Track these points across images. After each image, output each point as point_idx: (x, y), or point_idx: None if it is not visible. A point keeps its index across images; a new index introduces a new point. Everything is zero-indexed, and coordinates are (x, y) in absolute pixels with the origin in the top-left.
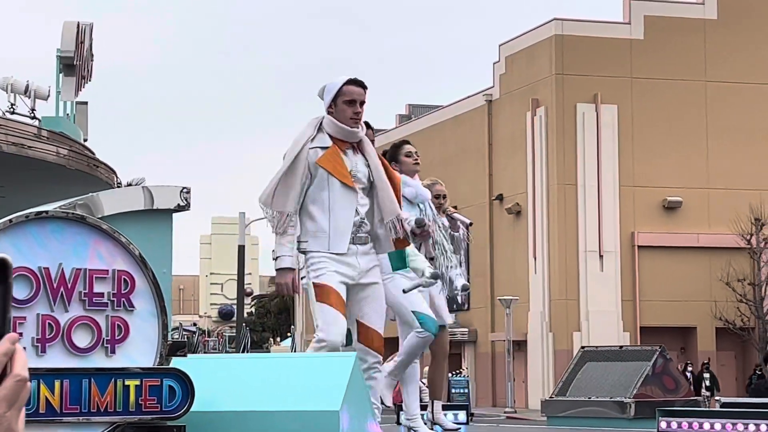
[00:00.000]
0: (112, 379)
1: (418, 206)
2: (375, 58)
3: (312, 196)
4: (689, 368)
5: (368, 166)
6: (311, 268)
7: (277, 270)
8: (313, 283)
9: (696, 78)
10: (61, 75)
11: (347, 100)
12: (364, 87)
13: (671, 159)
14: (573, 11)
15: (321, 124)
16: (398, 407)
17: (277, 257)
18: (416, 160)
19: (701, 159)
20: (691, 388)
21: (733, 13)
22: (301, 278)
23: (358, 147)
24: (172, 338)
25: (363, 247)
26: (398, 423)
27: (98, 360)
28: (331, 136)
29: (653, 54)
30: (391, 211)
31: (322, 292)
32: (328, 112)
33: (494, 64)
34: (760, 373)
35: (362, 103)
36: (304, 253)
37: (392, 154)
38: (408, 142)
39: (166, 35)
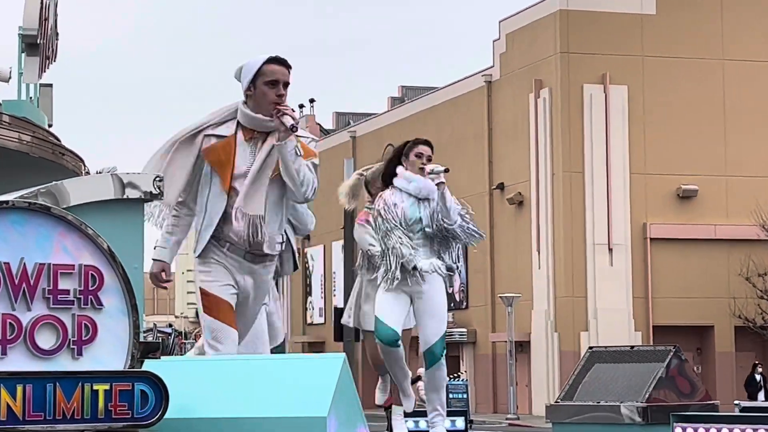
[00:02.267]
0: (79, 384)
1: (428, 201)
2: (365, 36)
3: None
4: (759, 369)
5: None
6: (200, 270)
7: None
8: (201, 289)
9: (712, 56)
10: (23, 55)
11: (268, 81)
12: (288, 66)
13: (686, 144)
14: None
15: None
16: (388, 410)
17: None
18: (424, 164)
19: (718, 144)
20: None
21: None
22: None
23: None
24: (145, 339)
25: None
26: (389, 429)
27: (64, 363)
28: (239, 124)
29: (666, 30)
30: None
31: (208, 303)
32: (246, 96)
33: (494, 41)
34: None
35: (286, 84)
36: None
37: (404, 149)
38: (426, 143)
39: (137, 13)
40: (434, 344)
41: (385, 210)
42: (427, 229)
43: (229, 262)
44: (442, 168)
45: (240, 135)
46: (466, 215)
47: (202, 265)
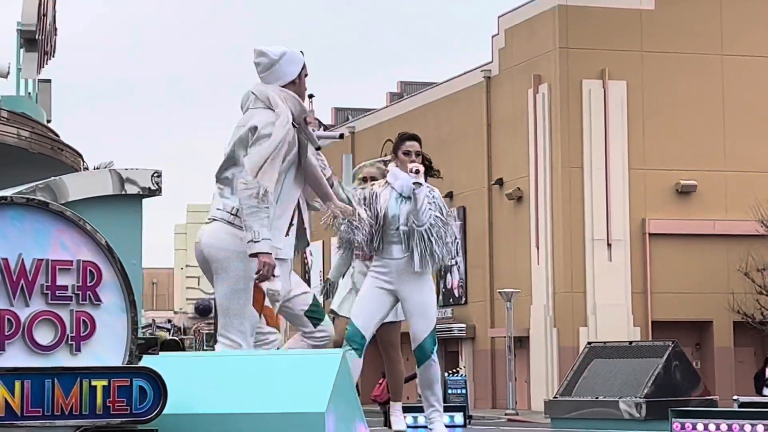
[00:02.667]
0: (78, 380)
1: (413, 196)
2: (363, 31)
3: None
4: None
5: None
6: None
7: (260, 254)
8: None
9: (712, 51)
10: (21, 50)
11: (306, 75)
12: None
13: (685, 139)
14: None
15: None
16: (385, 405)
17: (260, 239)
18: (413, 160)
19: (717, 139)
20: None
21: None
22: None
23: None
24: (144, 335)
25: None
26: (386, 424)
27: (62, 358)
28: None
29: (665, 26)
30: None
31: (259, 299)
32: (293, 82)
33: (493, 37)
34: None
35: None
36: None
37: (394, 146)
38: (412, 137)
39: (136, 8)
40: (423, 341)
41: (368, 198)
42: (401, 227)
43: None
44: (417, 167)
45: None
46: (447, 228)
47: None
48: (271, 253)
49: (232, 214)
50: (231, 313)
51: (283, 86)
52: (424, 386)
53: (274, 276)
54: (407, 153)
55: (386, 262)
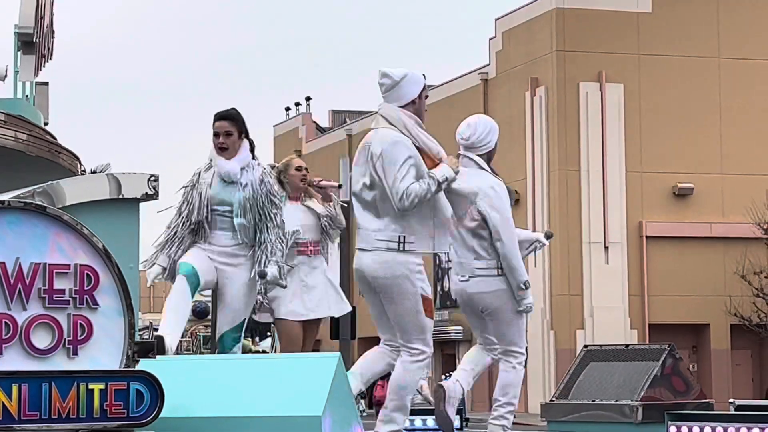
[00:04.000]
0: (75, 383)
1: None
2: (356, 32)
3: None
4: None
5: None
6: (419, 278)
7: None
8: (422, 295)
9: (708, 55)
10: (19, 53)
11: (426, 96)
12: None
13: (682, 142)
14: None
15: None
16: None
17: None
18: (221, 143)
19: (714, 142)
20: None
21: None
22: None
23: None
24: (141, 338)
25: None
26: None
27: (59, 362)
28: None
29: (662, 29)
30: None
31: (429, 307)
32: (412, 102)
33: (490, 39)
34: None
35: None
36: (404, 252)
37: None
38: (225, 117)
39: (134, 11)
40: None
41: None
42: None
43: None
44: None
45: None
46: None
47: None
48: None
49: (398, 242)
50: (413, 328)
51: (402, 106)
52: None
53: None
54: (216, 134)
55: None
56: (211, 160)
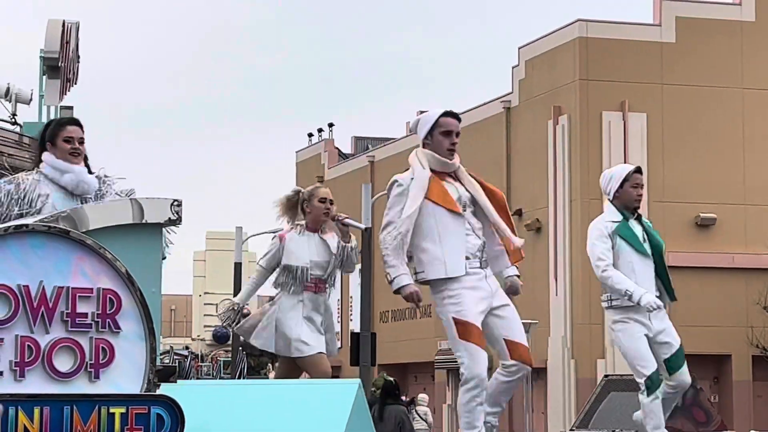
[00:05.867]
0: (96, 407)
1: (83, 200)
2: (382, 61)
3: (419, 228)
4: None
5: (468, 191)
6: (450, 302)
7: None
8: (454, 318)
9: (732, 85)
10: (44, 77)
11: (444, 131)
12: (459, 118)
13: (705, 172)
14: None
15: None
16: None
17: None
18: (75, 148)
19: (737, 173)
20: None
21: None
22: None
23: (455, 174)
24: (162, 363)
25: (488, 270)
26: None
27: (81, 385)
28: (431, 169)
29: (686, 58)
30: (505, 229)
31: (465, 330)
32: (424, 144)
33: (513, 68)
34: None
35: (458, 134)
36: (427, 283)
37: (50, 133)
38: (74, 122)
39: (158, 37)
40: None
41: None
42: None
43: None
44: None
45: (436, 176)
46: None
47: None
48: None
49: (414, 277)
50: (455, 353)
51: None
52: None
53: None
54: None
55: None
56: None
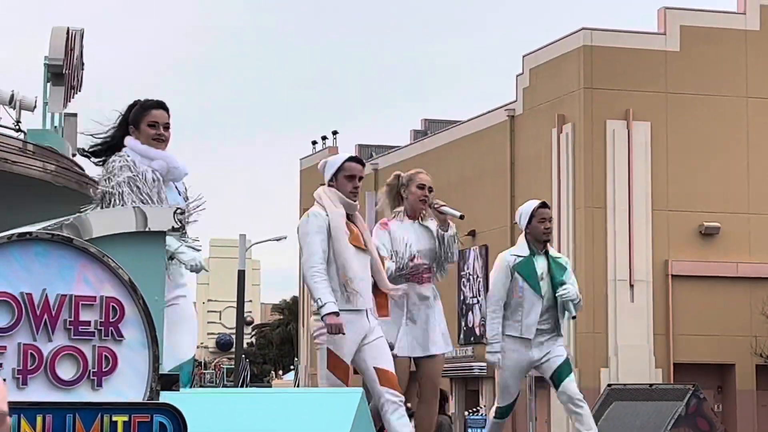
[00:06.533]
0: (99, 415)
1: (175, 187)
2: (388, 69)
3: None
4: None
5: (363, 235)
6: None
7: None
8: (328, 349)
9: (736, 94)
10: (48, 84)
11: (348, 175)
12: (363, 164)
13: (709, 181)
14: (603, 20)
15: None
16: None
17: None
18: (160, 134)
19: (742, 181)
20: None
21: None
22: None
23: (353, 217)
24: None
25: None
26: None
27: (84, 393)
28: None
29: (690, 67)
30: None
31: (334, 364)
32: (329, 185)
33: (517, 76)
34: None
35: (360, 178)
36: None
37: (135, 115)
38: (161, 106)
39: (162, 44)
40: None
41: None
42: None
43: None
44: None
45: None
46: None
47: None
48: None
49: None
50: None
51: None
52: None
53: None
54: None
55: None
56: None
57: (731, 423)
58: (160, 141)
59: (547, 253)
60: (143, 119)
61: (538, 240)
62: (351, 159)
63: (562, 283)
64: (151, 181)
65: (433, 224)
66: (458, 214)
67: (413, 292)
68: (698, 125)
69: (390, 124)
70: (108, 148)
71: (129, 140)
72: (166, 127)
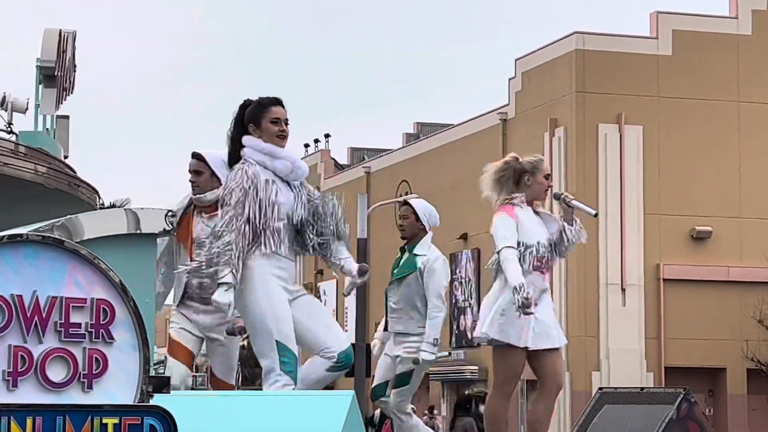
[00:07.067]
0: (89, 417)
1: (291, 186)
2: (381, 72)
3: None
4: None
5: None
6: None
7: None
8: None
9: (728, 98)
10: (40, 86)
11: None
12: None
13: (700, 185)
14: (596, 24)
15: None
16: None
17: None
18: (283, 130)
19: (733, 186)
20: None
21: None
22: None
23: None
24: (157, 373)
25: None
26: None
27: (74, 396)
28: None
29: (682, 72)
30: None
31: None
32: None
33: (510, 80)
34: None
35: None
36: None
37: (253, 114)
38: (279, 103)
39: (154, 47)
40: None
41: None
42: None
43: None
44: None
45: None
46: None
47: None
48: None
49: None
50: None
51: None
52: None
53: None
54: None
55: None
56: None
57: (722, 427)
58: (283, 137)
59: (404, 249)
60: (264, 116)
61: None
62: None
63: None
64: (264, 183)
65: (547, 215)
66: (593, 212)
67: (536, 285)
68: (690, 129)
69: (382, 127)
70: (234, 154)
71: (249, 140)
72: (286, 122)
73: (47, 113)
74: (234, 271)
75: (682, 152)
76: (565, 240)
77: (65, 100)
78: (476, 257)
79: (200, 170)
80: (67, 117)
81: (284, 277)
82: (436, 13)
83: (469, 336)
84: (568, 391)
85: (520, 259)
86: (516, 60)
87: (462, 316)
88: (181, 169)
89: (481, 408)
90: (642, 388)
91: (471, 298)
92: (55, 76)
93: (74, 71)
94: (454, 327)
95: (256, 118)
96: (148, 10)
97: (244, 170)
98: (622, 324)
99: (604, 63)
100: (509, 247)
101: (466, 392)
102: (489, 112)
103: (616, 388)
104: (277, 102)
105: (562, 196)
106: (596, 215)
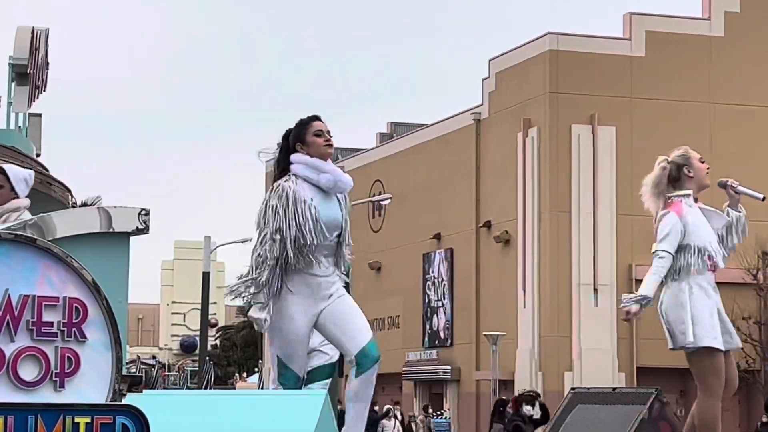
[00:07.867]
0: (61, 416)
1: (336, 198)
2: (354, 71)
3: None
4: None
5: None
6: None
7: None
8: None
9: (700, 99)
10: (13, 84)
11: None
12: None
13: None
14: (569, 25)
15: None
16: None
17: None
18: (328, 140)
19: None
20: None
21: (741, 31)
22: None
23: None
24: (129, 372)
25: None
26: None
27: (46, 395)
28: None
29: (655, 72)
30: None
31: None
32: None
33: (483, 80)
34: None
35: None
36: None
37: (297, 134)
38: (318, 118)
39: (128, 45)
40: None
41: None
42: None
43: None
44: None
45: None
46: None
47: None
48: None
49: None
50: None
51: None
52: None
53: None
54: (319, 134)
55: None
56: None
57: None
58: (330, 146)
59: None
60: (308, 132)
61: None
62: None
63: None
64: (302, 201)
65: (709, 209)
66: (761, 196)
67: (712, 284)
68: (663, 130)
69: (356, 126)
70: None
71: (296, 156)
72: (329, 133)
73: (19, 111)
74: (265, 292)
75: (654, 153)
76: (735, 237)
77: (38, 97)
78: (449, 257)
79: (1, 184)
80: (39, 115)
81: (314, 293)
82: (410, 14)
83: (442, 336)
84: (540, 390)
85: (693, 265)
86: (490, 60)
87: (435, 316)
88: (152, 167)
89: (525, 408)
90: (614, 389)
91: (444, 298)
92: (28, 74)
93: (47, 69)
94: (427, 327)
95: (301, 136)
96: (126, 8)
97: (282, 187)
98: (595, 324)
99: (577, 64)
100: (665, 251)
101: (502, 397)
102: (462, 113)
103: (588, 388)
104: (316, 117)
105: (729, 183)
106: (764, 199)
